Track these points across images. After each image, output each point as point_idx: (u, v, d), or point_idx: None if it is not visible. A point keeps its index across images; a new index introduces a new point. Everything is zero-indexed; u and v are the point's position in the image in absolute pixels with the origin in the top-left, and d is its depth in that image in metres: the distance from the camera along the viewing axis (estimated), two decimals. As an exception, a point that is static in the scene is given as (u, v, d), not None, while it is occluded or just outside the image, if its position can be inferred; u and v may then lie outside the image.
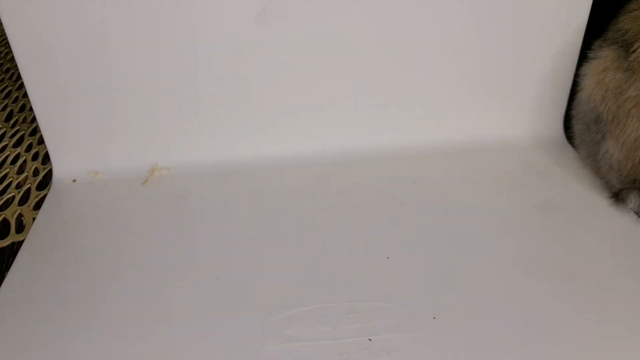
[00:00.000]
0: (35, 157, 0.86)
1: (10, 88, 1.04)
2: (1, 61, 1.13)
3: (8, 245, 0.71)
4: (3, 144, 0.90)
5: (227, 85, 0.73)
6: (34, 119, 0.92)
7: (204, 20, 0.71)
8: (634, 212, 0.66)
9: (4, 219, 0.76)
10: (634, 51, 0.58)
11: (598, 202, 0.70)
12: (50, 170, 0.81)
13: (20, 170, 0.84)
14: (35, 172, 0.83)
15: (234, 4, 0.69)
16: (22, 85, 0.88)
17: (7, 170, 0.84)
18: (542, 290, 0.58)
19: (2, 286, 0.63)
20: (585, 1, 0.71)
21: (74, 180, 0.79)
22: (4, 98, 1.02)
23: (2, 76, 1.08)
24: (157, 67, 0.74)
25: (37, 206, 0.77)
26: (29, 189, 0.80)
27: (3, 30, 0.72)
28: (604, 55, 0.63)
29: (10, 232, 0.73)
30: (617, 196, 0.66)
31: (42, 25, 0.69)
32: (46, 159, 0.83)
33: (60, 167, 0.80)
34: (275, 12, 0.67)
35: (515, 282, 0.59)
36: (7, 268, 0.67)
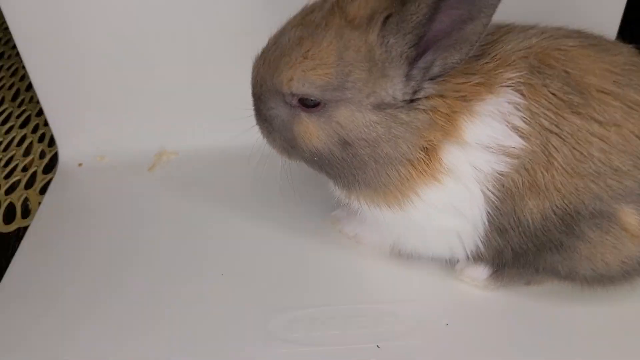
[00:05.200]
0: (41, 139, 0.85)
1: (17, 66, 1.01)
2: (8, 37, 1.10)
3: (14, 231, 0.70)
4: (9, 124, 0.88)
5: (235, 69, 0.69)
6: (41, 99, 0.90)
7: (208, 2, 0.68)
8: None
9: (10, 203, 0.74)
10: None
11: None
12: (57, 153, 0.79)
13: (27, 153, 0.83)
14: (42, 155, 0.82)
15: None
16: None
17: (14, 152, 0.83)
18: (558, 296, 0.55)
19: (7, 271, 0.63)
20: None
21: (80, 164, 0.77)
22: (11, 76, 1.00)
23: (9, 53, 1.06)
24: (166, 49, 0.71)
25: (43, 190, 0.76)
26: (35, 172, 0.79)
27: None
28: None
29: (16, 217, 0.72)
30: None
31: (43, 7, 0.67)
32: (52, 141, 0.81)
33: (66, 150, 0.78)
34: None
35: (533, 289, 0.56)
36: (13, 254, 0.66)
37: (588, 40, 0.47)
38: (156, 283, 0.60)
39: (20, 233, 0.69)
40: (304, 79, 0.44)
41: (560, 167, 0.44)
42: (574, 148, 0.44)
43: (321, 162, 0.49)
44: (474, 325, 0.53)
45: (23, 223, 0.71)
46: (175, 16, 0.69)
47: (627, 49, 0.48)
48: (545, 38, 0.46)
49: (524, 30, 0.48)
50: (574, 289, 0.53)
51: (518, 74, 0.45)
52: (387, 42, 0.42)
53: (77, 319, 0.57)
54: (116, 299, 0.58)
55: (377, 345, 0.52)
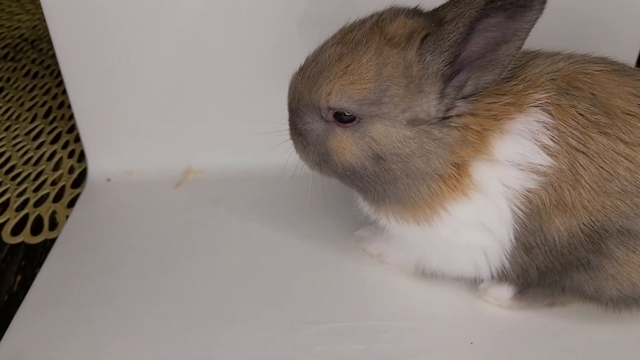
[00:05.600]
0: (71, 155, 0.87)
1: (50, 85, 1.05)
2: (42, 58, 1.15)
3: (41, 242, 0.72)
4: (40, 140, 0.91)
5: (263, 90, 0.72)
6: (71, 117, 0.92)
7: (242, 22, 0.70)
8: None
9: (38, 215, 0.76)
10: None
11: None
12: (85, 169, 0.81)
13: (56, 167, 0.85)
14: (71, 170, 0.84)
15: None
16: (61, 82, 0.88)
17: (44, 167, 0.85)
18: (583, 318, 0.55)
19: (33, 283, 0.64)
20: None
21: (109, 180, 0.79)
22: (44, 94, 1.03)
23: (43, 73, 1.10)
24: (196, 70, 0.73)
25: (71, 204, 0.77)
26: (63, 187, 0.81)
27: (46, 27, 0.72)
28: None
29: (44, 229, 0.74)
30: None
31: (85, 24, 0.69)
32: (82, 157, 0.83)
33: (95, 166, 0.80)
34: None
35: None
36: (39, 265, 0.67)
37: (612, 66, 0.49)
38: (183, 299, 0.60)
39: (47, 244, 0.71)
40: (342, 93, 0.45)
41: (587, 185, 0.45)
42: (601, 167, 0.45)
43: (353, 177, 0.50)
44: (499, 345, 0.53)
45: (50, 235, 0.72)
46: (204, 38, 0.71)
47: None
48: (572, 63, 0.48)
49: (551, 55, 0.50)
50: (598, 310, 0.54)
51: (546, 94, 0.46)
52: (424, 59, 0.44)
53: (103, 333, 0.57)
54: (142, 315, 0.59)
55: (401, 361, 0.52)
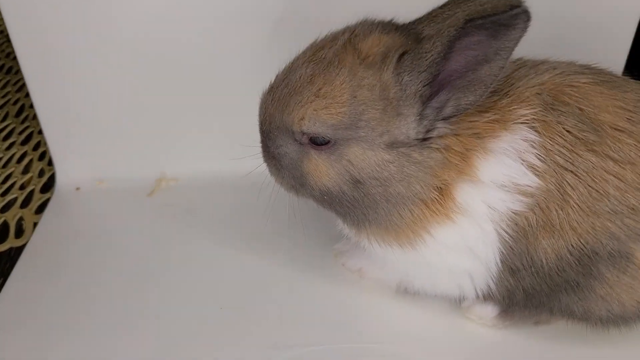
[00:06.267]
0: (42, 157, 0.83)
1: (23, 82, 1.01)
2: (14, 55, 1.10)
3: (6, 251, 0.68)
4: (11, 140, 0.87)
5: (238, 95, 0.68)
6: (44, 117, 0.89)
7: (215, 27, 0.67)
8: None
9: (4, 221, 0.73)
10: None
11: None
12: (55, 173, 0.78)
13: (26, 170, 0.81)
14: (41, 173, 0.80)
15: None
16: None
17: (13, 169, 0.82)
18: (567, 337, 0.54)
19: (0, 294, 0.61)
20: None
21: (78, 189, 0.75)
22: (17, 92, 0.99)
23: (17, 68, 1.05)
24: (167, 74, 0.70)
25: (39, 210, 0.74)
26: (32, 191, 0.77)
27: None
28: None
29: (9, 237, 0.71)
30: None
31: (46, 28, 0.66)
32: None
33: (64, 174, 0.76)
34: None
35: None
36: (3, 274, 0.64)
37: (599, 76, 0.46)
38: (151, 313, 0.58)
39: (12, 253, 0.68)
40: (315, 118, 0.43)
41: (576, 205, 0.43)
42: (590, 186, 0.43)
43: (331, 201, 0.48)
44: None
45: (16, 243, 0.69)
46: (176, 43, 0.68)
47: (636, 86, 0.47)
48: (557, 74, 0.46)
49: (535, 65, 0.47)
50: (584, 329, 0.52)
51: (532, 110, 0.44)
52: (402, 80, 0.42)
53: (71, 344, 0.55)
54: (110, 328, 0.57)
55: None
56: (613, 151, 0.43)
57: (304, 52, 0.46)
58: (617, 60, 0.70)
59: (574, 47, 0.64)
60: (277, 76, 0.47)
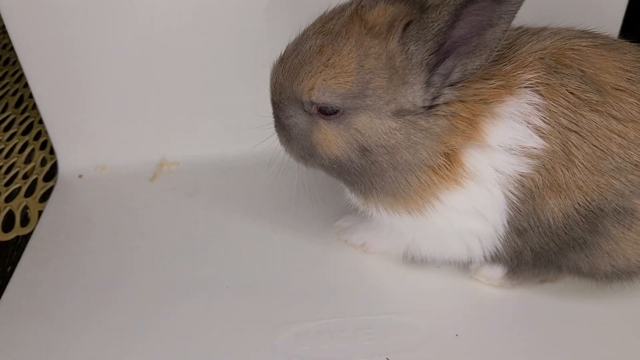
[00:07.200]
0: (43, 146, 0.83)
1: (21, 72, 1.01)
2: (11, 46, 1.10)
3: (13, 239, 0.69)
4: (12, 131, 0.87)
5: (237, 78, 0.70)
6: (43, 106, 0.89)
7: (213, 11, 0.67)
8: None
9: (10, 210, 0.73)
10: None
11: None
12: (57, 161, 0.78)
13: (28, 160, 0.81)
14: (43, 162, 0.81)
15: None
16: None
17: (15, 159, 0.82)
18: (569, 303, 0.55)
19: (8, 283, 0.61)
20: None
21: (80, 176, 0.76)
22: (15, 82, 0.99)
23: (15, 59, 1.05)
24: (167, 58, 0.70)
25: (43, 198, 0.74)
26: (35, 180, 0.78)
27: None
28: None
29: (15, 225, 0.71)
30: None
31: (43, 17, 0.66)
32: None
33: (66, 162, 0.76)
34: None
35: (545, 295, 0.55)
36: (11, 263, 0.65)
37: (598, 40, 0.47)
38: (158, 295, 0.58)
39: (18, 242, 0.68)
40: (324, 88, 0.44)
41: (581, 165, 0.44)
42: (594, 145, 0.44)
43: (339, 170, 0.48)
44: (484, 336, 0.52)
45: (22, 231, 0.70)
46: (175, 26, 0.68)
47: (633, 47, 0.48)
48: (558, 39, 0.47)
49: (537, 32, 0.48)
50: (585, 289, 0.53)
51: (536, 74, 0.44)
52: (408, 49, 0.42)
53: (79, 330, 0.55)
54: (117, 311, 0.57)
55: (387, 358, 0.50)
56: (616, 110, 0.44)
57: (314, 24, 0.47)
58: (611, 27, 0.70)
59: (569, 16, 0.63)
60: (287, 47, 0.47)
